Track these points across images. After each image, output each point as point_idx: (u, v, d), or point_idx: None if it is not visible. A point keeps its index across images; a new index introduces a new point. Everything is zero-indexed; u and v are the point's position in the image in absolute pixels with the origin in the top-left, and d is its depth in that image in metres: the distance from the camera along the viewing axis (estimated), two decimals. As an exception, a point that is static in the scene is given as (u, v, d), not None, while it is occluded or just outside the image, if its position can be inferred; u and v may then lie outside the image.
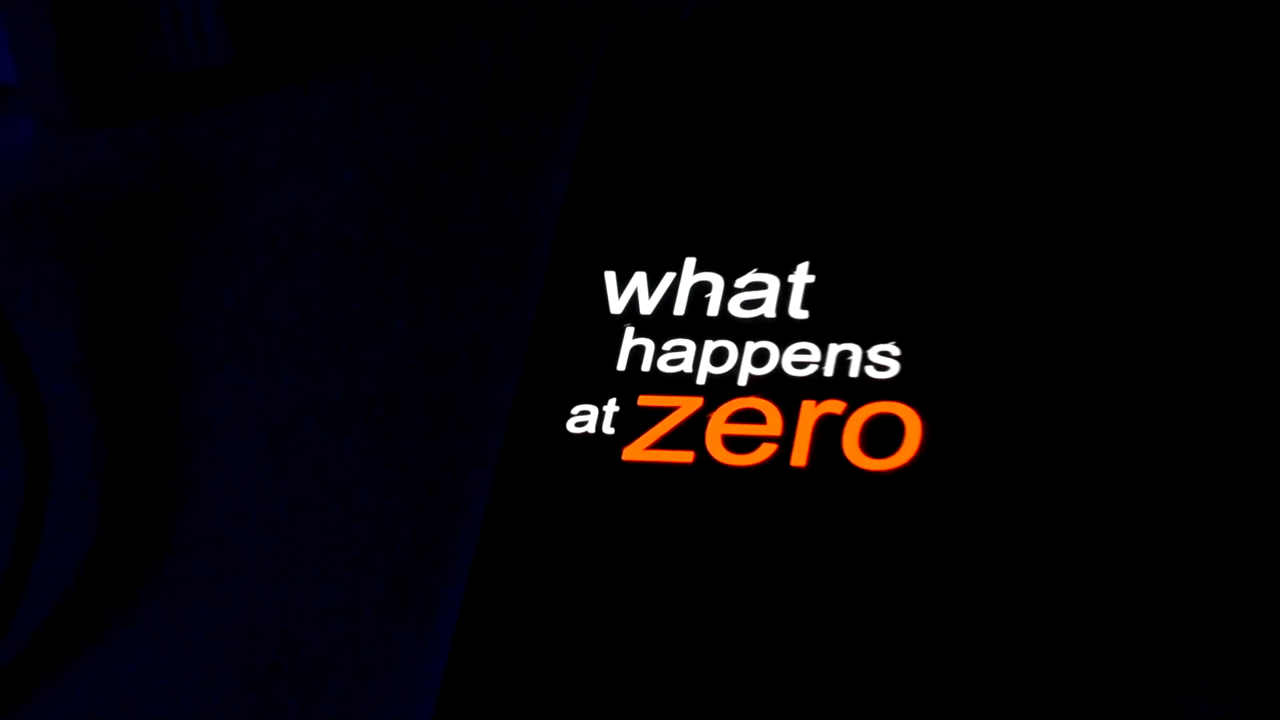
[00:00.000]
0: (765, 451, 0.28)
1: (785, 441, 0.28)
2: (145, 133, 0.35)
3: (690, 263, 0.30)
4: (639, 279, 0.30)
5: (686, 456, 0.28)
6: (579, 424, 0.29)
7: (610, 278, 0.30)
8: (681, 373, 0.29)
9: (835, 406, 0.28)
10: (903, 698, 0.26)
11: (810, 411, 0.28)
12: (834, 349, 0.29)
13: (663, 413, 0.29)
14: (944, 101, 0.32)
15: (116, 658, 0.29)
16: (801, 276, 0.30)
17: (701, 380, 0.29)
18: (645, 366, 0.29)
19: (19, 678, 0.29)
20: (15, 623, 0.29)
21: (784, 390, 0.29)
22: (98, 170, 0.35)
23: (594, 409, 0.29)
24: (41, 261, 0.33)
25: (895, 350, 0.28)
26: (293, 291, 0.33)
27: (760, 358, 0.29)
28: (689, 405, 0.29)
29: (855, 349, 0.29)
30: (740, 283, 0.30)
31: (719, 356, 0.29)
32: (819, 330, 0.29)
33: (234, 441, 0.31)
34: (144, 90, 0.35)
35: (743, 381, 0.29)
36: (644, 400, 0.29)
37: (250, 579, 0.30)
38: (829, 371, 0.28)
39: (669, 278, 0.30)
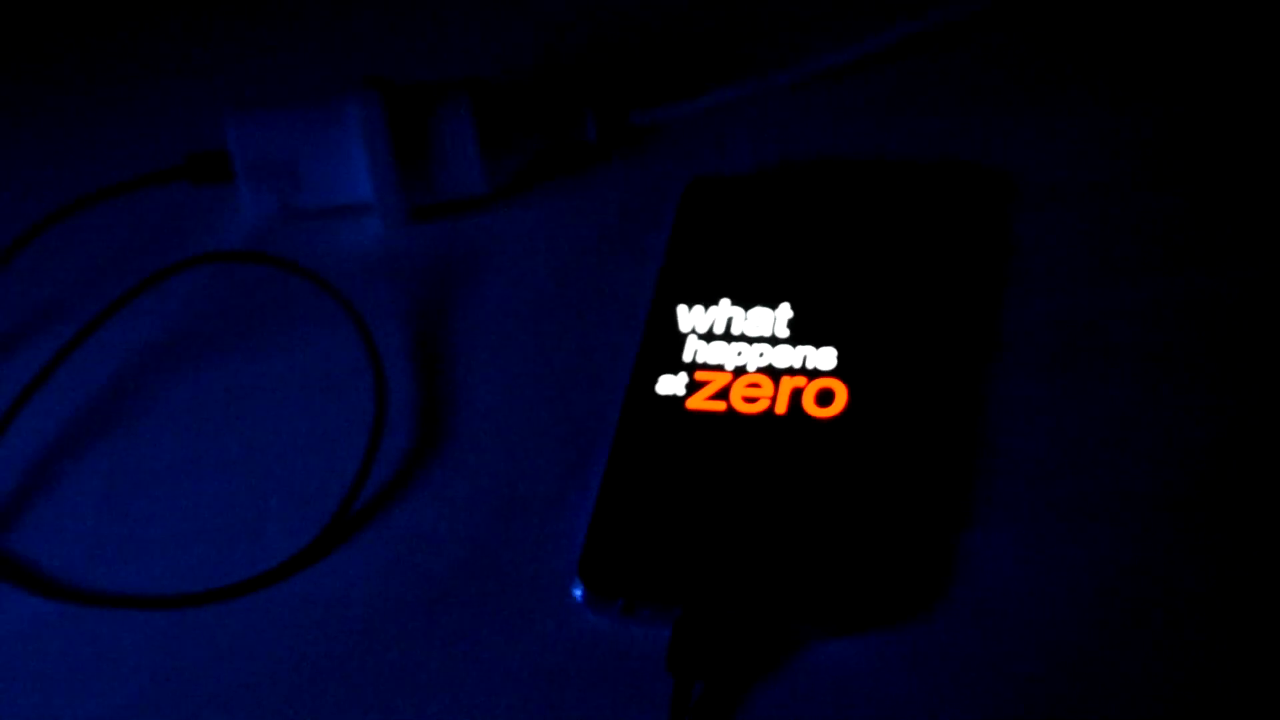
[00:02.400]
0: (762, 405, 0.37)
1: (772, 400, 0.37)
2: (439, 230, 0.45)
3: (725, 302, 0.39)
4: (697, 310, 0.39)
5: (720, 406, 0.37)
6: (663, 388, 0.38)
7: (682, 310, 0.39)
8: (719, 362, 0.38)
9: (800, 381, 0.38)
10: (822, 530, 0.35)
11: (786, 384, 0.37)
12: (800, 350, 0.38)
13: (708, 383, 0.38)
14: (864, 232, 0.40)
15: (420, 505, 0.39)
16: (784, 311, 0.39)
17: (729, 366, 0.38)
18: (700, 359, 0.38)
19: (367, 515, 0.39)
20: (369, 483, 0.39)
21: (772, 373, 0.38)
22: (414, 251, 0.44)
23: (671, 379, 0.38)
24: (385, 300, 0.43)
25: (833, 353, 0.38)
26: (512, 315, 0.43)
27: (760, 355, 0.38)
28: (722, 379, 0.38)
29: (811, 350, 0.38)
30: (750, 314, 0.39)
31: (738, 354, 0.38)
32: (793, 340, 0.38)
33: (494, 395, 0.41)
34: (438, 207, 0.45)
35: (751, 368, 0.38)
36: (698, 376, 0.38)
37: (488, 463, 0.39)
38: (796, 364, 0.38)
39: (713, 310, 0.39)
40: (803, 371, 0.38)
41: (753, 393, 0.38)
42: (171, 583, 0.38)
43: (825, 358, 0.38)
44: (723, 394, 0.38)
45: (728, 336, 0.39)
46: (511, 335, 0.43)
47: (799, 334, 0.39)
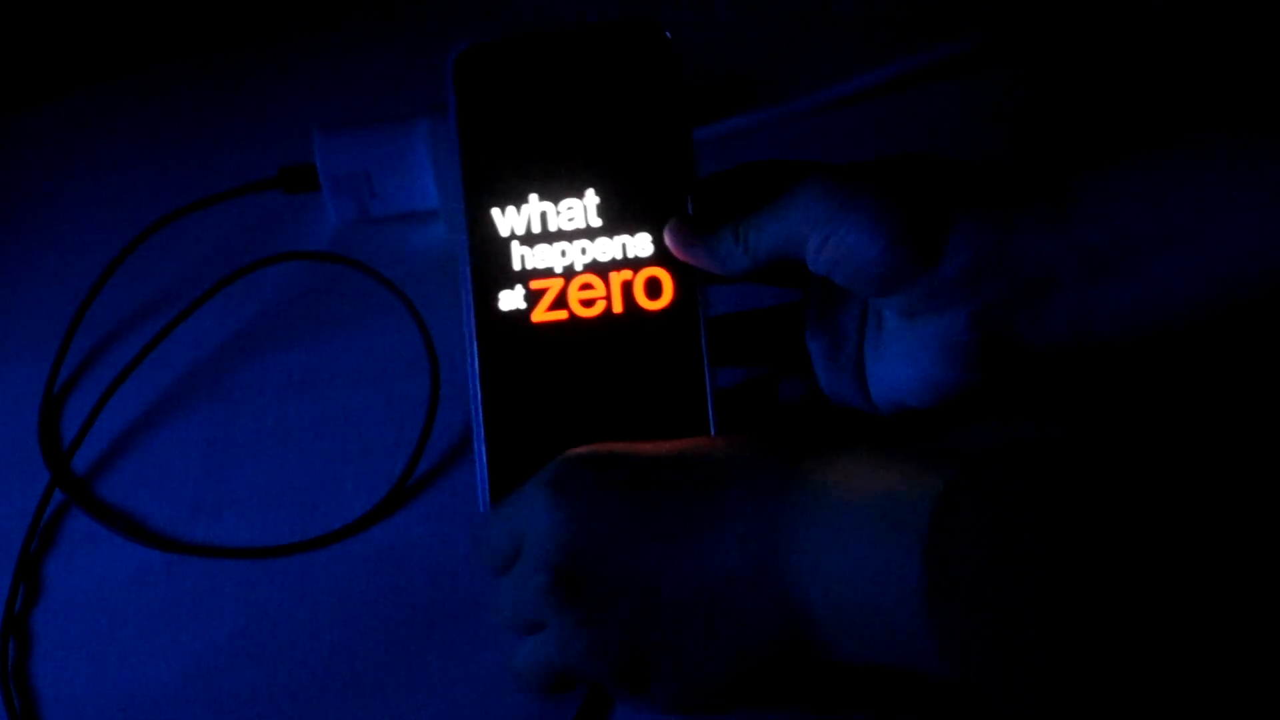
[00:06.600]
0: (599, 307, 0.36)
1: (608, 299, 0.36)
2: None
3: (534, 198, 0.36)
4: (510, 212, 0.36)
5: (562, 315, 0.36)
6: (505, 304, 0.36)
7: (495, 213, 0.36)
8: (548, 266, 0.36)
9: (626, 274, 0.36)
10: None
11: (615, 280, 0.36)
12: (618, 239, 0.36)
13: (544, 291, 0.36)
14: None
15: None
16: (591, 199, 0.36)
17: (558, 269, 0.36)
18: (529, 265, 0.36)
19: (427, 480, 0.42)
20: (427, 452, 0.42)
21: (599, 268, 0.36)
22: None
23: (509, 294, 0.36)
24: (445, 294, 0.45)
25: (649, 238, 0.36)
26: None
27: (583, 251, 0.36)
28: (556, 285, 0.36)
29: (628, 239, 0.36)
30: (561, 208, 0.36)
31: (562, 253, 0.36)
32: (609, 231, 0.36)
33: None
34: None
35: (579, 267, 0.36)
36: (533, 285, 0.36)
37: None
38: (618, 255, 0.36)
39: (525, 209, 0.36)
40: (627, 263, 0.36)
41: (588, 294, 0.36)
42: (260, 536, 0.42)
43: (643, 244, 0.36)
44: (560, 301, 0.36)
45: (547, 236, 0.36)
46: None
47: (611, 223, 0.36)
